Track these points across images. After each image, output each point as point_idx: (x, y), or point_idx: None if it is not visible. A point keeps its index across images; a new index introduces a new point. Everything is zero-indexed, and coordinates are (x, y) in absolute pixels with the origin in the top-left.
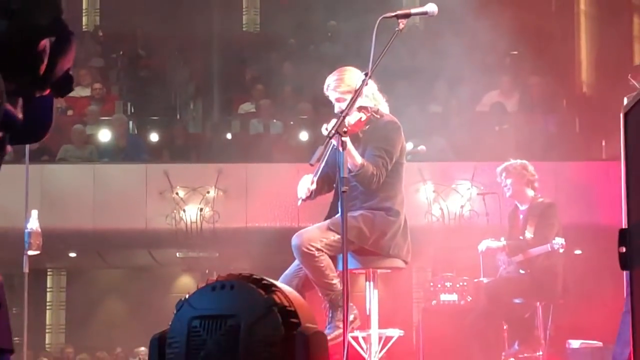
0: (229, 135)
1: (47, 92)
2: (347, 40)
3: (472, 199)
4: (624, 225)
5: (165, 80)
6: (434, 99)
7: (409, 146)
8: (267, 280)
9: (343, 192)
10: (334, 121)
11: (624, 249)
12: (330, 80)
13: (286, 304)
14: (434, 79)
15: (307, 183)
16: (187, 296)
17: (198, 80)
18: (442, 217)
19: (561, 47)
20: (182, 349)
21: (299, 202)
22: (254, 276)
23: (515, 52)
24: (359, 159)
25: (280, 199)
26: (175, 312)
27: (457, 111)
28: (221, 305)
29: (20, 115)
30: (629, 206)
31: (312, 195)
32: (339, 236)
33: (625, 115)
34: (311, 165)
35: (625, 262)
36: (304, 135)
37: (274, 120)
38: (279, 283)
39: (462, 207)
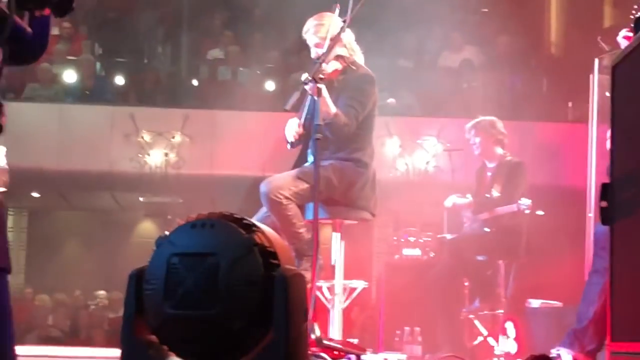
0: (195, 82)
1: (47, 12)
2: None
3: (438, 155)
4: (589, 186)
5: (134, 23)
6: (402, 54)
7: None
8: (247, 220)
9: (317, 139)
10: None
11: (605, 204)
12: (310, 25)
13: (267, 244)
14: (403, 34)
15: (294, 126)
16: (166, 233)
17: (167, 24)
18: (407, 172)
19: (531, 7)
20: (161, 286)
21: (288, 146)
22: (235, 215)
23: (486, 10)
24: (333, 108)
25: (246, 147)
26: (154, 248)
27: (426, 67)
28: (201, 243)
29: (29, 29)
30: (612, 160)
31: (300, 140)
32: (308, 185)
33: (614, 68)
34: (286, 110)
35: (606, 216)
36: (270, 85)
37: (242, 68)
38: (259, 223)
39: (427, 163)
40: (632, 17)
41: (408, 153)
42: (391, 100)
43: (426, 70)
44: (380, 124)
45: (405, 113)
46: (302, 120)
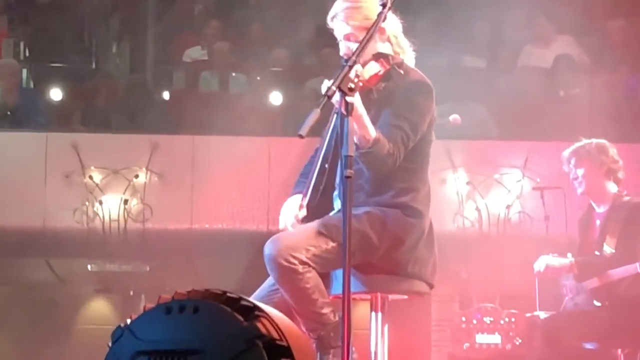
0: (167, 95)
1: None
2: None
3: (524, 196)
4: None
5: (77, 11)
6: (471, 49)
7: None
8: (247, 301)
9: (347, 177)
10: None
11: None
12: (339, 8)
13: (275, 335)
14: (470, 21)
15: (294, 209)
16: (128, 321)
17: (124, 12)
18: (479, 221)
19: None
20: None
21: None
22: (228, 294)
23: None
24: (372, 131)
25: (242, 188)
26: (110, 344)
27: (504, 67)
28: (180, 335)
29: None
30: None
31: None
32: (334, 244)
33: None
34: (300, 136)
35: None
36: (276, 97)
37: (234, 74)
38: (264, 305)
39: (508, 207)
40: None
41: (480, 193)
42: (454, 117)
43: (504, 72)
44: (439, 150)
45: (475, 135)
46: (323, 151)
